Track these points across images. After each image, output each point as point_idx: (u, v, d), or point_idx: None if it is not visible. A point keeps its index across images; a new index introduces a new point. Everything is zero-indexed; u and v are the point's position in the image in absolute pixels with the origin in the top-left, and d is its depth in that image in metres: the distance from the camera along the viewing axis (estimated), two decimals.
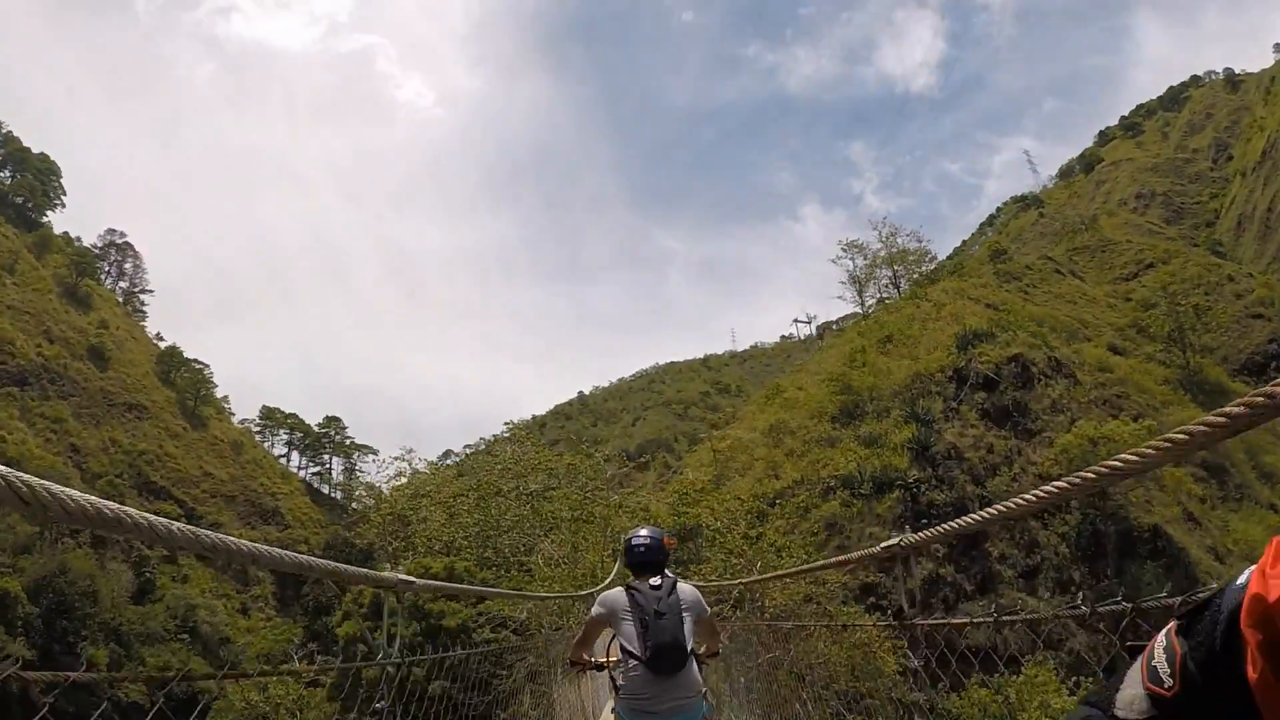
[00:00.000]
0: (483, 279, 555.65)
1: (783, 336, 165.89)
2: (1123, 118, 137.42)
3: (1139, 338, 57.29)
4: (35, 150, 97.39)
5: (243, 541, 1.98)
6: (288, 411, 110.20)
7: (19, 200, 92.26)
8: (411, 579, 3.82)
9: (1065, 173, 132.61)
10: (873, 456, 35.07)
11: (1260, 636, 0.76)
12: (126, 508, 1.47)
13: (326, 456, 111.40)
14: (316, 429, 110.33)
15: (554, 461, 34.34)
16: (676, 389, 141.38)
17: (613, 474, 36.73)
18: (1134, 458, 1.75)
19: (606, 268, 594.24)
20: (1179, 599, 2.26)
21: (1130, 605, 2.45)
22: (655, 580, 4.75)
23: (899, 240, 72.28)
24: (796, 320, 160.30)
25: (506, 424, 43.94)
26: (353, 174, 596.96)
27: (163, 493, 74.59)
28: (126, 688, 38.34)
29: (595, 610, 4.88)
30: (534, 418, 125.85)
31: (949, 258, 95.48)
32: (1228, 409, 1.45)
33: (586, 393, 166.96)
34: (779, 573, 13.86)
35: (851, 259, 72.89)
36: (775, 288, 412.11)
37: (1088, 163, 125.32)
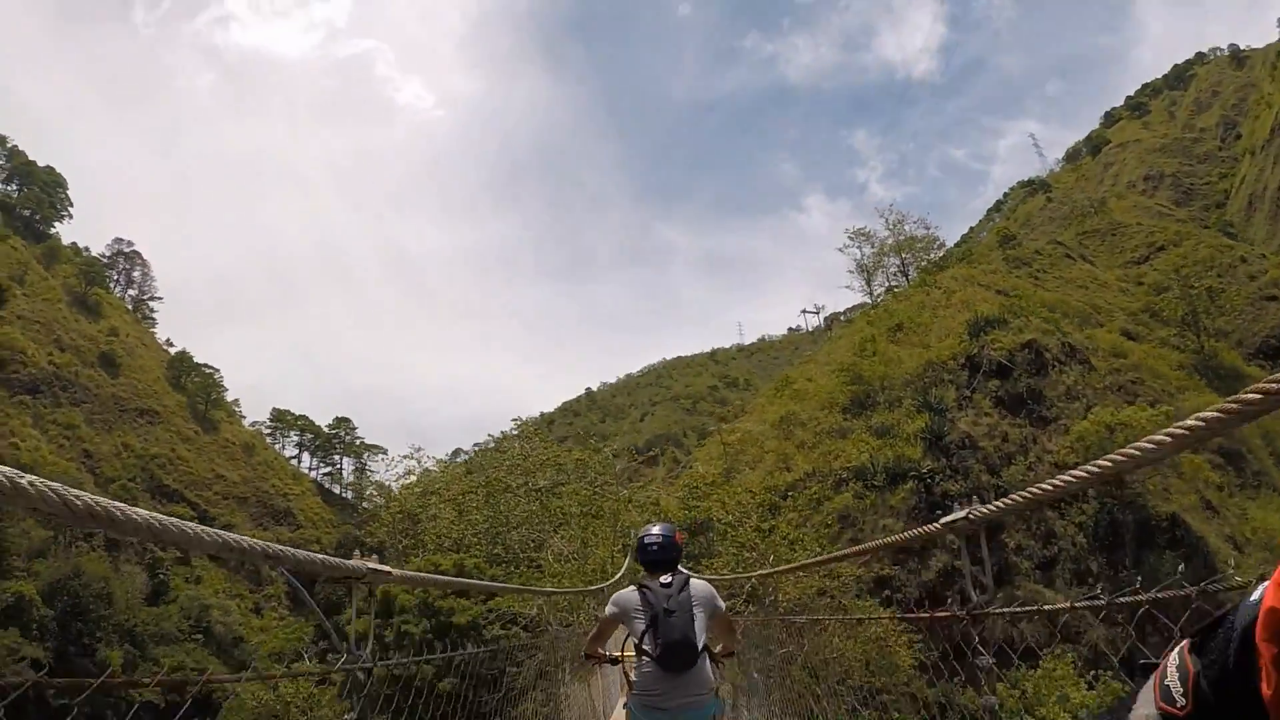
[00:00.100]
0: (488, 279, 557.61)
1: (790, 329, 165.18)
2: (1128, 98, 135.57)
3: (1152, 322, 56.79)
4: (41, 163, 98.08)
5: (185, 524, 1.73)
6: (298, 413, 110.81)
7: (26, 212, 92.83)
8: (385, 569, 3.16)
9: (1072, 156, 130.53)
10: (885, 447, 34.59)
11: (1276, 650, 0.78)
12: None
13: (337, 457, 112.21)
14: (327, 430, 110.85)
15: (563, 457, 34.14)
16: (684, 384, 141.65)
17: (622, 469, 36.52)
18: (1166, 438, 1.71)
19: (611, 265, 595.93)
20: (1195, 588, 2.05)
21: (1145, 596, 2.45)
22: (666, 578, 4.75)
23: (906, 227, 71.39)
24: (804, 310, 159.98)
25: (514, 420, 43.58)
26: (355, 177, 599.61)
27: (175, 495, 74.90)
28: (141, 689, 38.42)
29: (608, 609, 4.90)
30: (542, 415, 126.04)
31: (957, 245, 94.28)
32: (1243, 395, 1.45)
33: (594, 389, 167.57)
34: (820, 558, 13.41)
35: (859, 247, 72.19)
36: (781, 280, 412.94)
37: (1094, 145, 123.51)
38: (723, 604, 4.91)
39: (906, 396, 38.06)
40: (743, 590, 18.64)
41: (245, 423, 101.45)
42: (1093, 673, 23.24)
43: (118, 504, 1.49)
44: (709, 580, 5.04)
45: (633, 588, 4.82)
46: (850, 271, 73.17)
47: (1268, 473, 39.05)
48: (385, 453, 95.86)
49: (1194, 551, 30.50)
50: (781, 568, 13.05)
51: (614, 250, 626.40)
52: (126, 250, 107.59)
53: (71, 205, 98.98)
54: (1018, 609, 3.29)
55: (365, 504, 77.56)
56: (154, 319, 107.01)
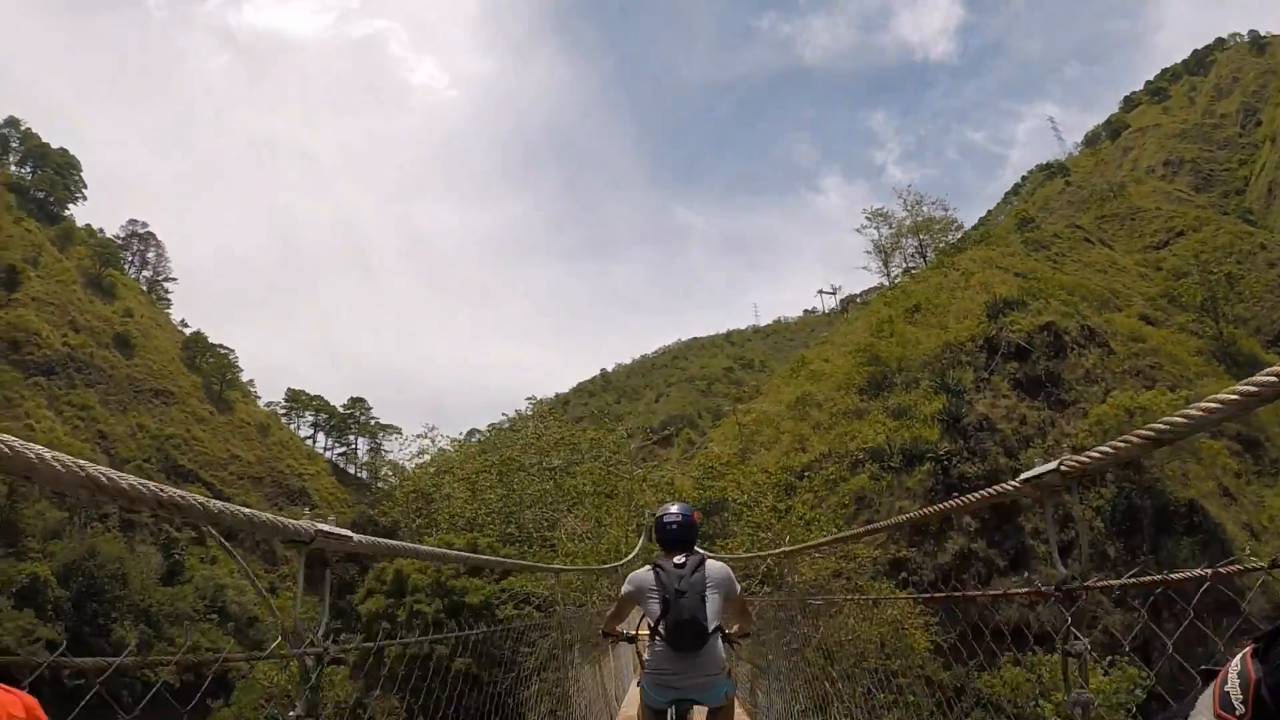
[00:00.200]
0: (503, 260, 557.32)
1: (806, 311, 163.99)
2: (1148, 83, 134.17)
3: (1171, 307, 56.61)
4: (55, 146, 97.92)
5: (113, 473, 1.43)
6: (313, 394, 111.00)
7: (41, 195, 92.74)
8: (340, 532, 2.43)
9: (1091, 140, 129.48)
10: (902, 428, 34.28)
11: None
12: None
13: (352, 437, 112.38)
14: (342, 410, 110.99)
15: (577, 436, 33.98)
16: (700, 365, 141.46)
17: (636, 449, 36.35)
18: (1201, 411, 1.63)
19: (627, 245, 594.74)
20: (1209, 569, 2.04)
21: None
22: (680, 558, 4.74)
23: (924, 209, 70.97)
24: (821, 290, 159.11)
25: (529, 399, 43.31)
26: (369, 158, 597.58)
27: (190, 475, 75.19)
28: (157, 668, 38.62)
29: (625, 588, 4.93)
30: (557, 396, 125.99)
31: (974, 227, 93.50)
32: (1258, 378, 1.43)
33: (609, 370, 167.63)
34: (848, 533, 13.05)
35: (876, 228, 71.82)
36: (798, 262, 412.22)
37: (1114, 129, 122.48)
38: (738, 585, 4.88)
39: (924, 378, 37.68)
40: (758, 571, 18.44)
41: (260, 403, 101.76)
42: (1109, 658, 22.96)
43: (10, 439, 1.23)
44: (724, 560, 4.83)
45: (648, 568, 4.83)
46: (867, 252, 72.97)
47: None
48: (400, 433, 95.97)
49: (1211, 538, 30.28)
50: (812, 542, 12.72)
51: (630, 231, 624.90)
52: (141, 232, 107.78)
53: (85, 187, 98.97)
54: (1131, 579, 2.67)
55: (380, 484, 77.72)
56: (169, 300, 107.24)
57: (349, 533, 2.53)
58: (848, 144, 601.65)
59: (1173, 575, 2.52)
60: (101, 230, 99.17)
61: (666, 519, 5.00)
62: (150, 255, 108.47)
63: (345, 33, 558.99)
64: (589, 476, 28.40)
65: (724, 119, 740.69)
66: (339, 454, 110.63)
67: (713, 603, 4.59)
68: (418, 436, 46.18)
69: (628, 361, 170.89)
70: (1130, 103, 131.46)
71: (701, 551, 4.94)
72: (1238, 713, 0.88)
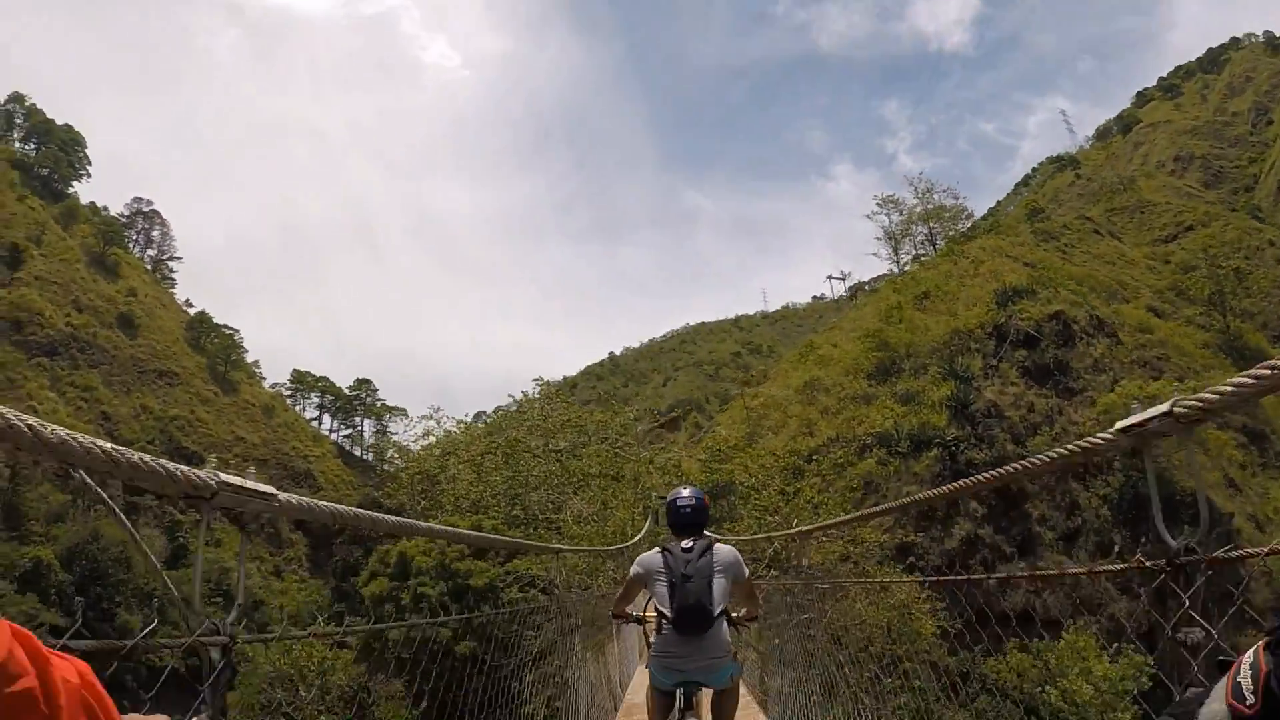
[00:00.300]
0: (512, 241, 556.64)
1: (814, 297, 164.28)
2: (1161, 79, 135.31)
3: (1178, 300, 57.18)
4: (59, 122, 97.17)
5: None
6: (319, 375, 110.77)
7: (44, 172, 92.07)
8: (256, 488, 1.88)
9: (1102, 134, 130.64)
10: (910, 414, 34.32)
11: None
12: None
13: (358, 419, 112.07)
14: (348, 392, 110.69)
15: (584, 418, 33.84)
16: (708, 350, 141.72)
17: (643, 431, 36.24)
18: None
19: (636, 228, 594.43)
20: (1218, 554, 1.93)
21: (1165, 561, 2.08)
22: (688, 542, 4.77)
23: (935, 196, 70.98)
24: (830, 276, 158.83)
25: (535, 380, 43.12)
26: (379, 137, 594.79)
27: (195, 458, 74.99)
28: (160, 651, 38.62)
29: (634, 570, 4.98)
30: (565, 378, 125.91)
31: (984, 218, 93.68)
32: (1257, 369, 1.45)
33: (618, 354, 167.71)
34: (880, 508, 12.90)
35: (887, 214, 72.02)
36: (808, 249, 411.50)
37: (1125, 124, 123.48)
38: (746, 569, 4.89)
39: (932, 364, 37.68)
40: (765, 555, 18.34)
41: (265, 384, 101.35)
42: (1115, 645, 22.95)
43: None
44: (735, 543, 4.76)
45: (656, 550, 4.88)
46: (878, 239, 73.17)
47: None
48: (406, 414, 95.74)
49: (1219, 529, 30.14)
50: (829, 521, 12.54)
51: (640, 214, 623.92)
52: (145, 210, 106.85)
53: (90, 165, 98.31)
54: (1253, 551, 2.18)
55: (386, 466, 77.65)
56: (173, 279, 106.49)
57: (266, 487, 1.92)
58: (860, 132, 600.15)
59: None
60: (106, 208, 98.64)
61: (680, 503, 5.02)
62: (155, 234, 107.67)
63: (357, 10, 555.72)
64: (595, 459, 28.30)
65: (736, 103, 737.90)
66: (344, 436, 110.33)
67: (719, 586, 4.61)
68: (422, 418, 45.94)
69: (635, 345, 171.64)
70: (1142, 98, 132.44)
71: (710, 535, 4.99)
72: (1248, 702, 0.91)
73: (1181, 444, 2.08)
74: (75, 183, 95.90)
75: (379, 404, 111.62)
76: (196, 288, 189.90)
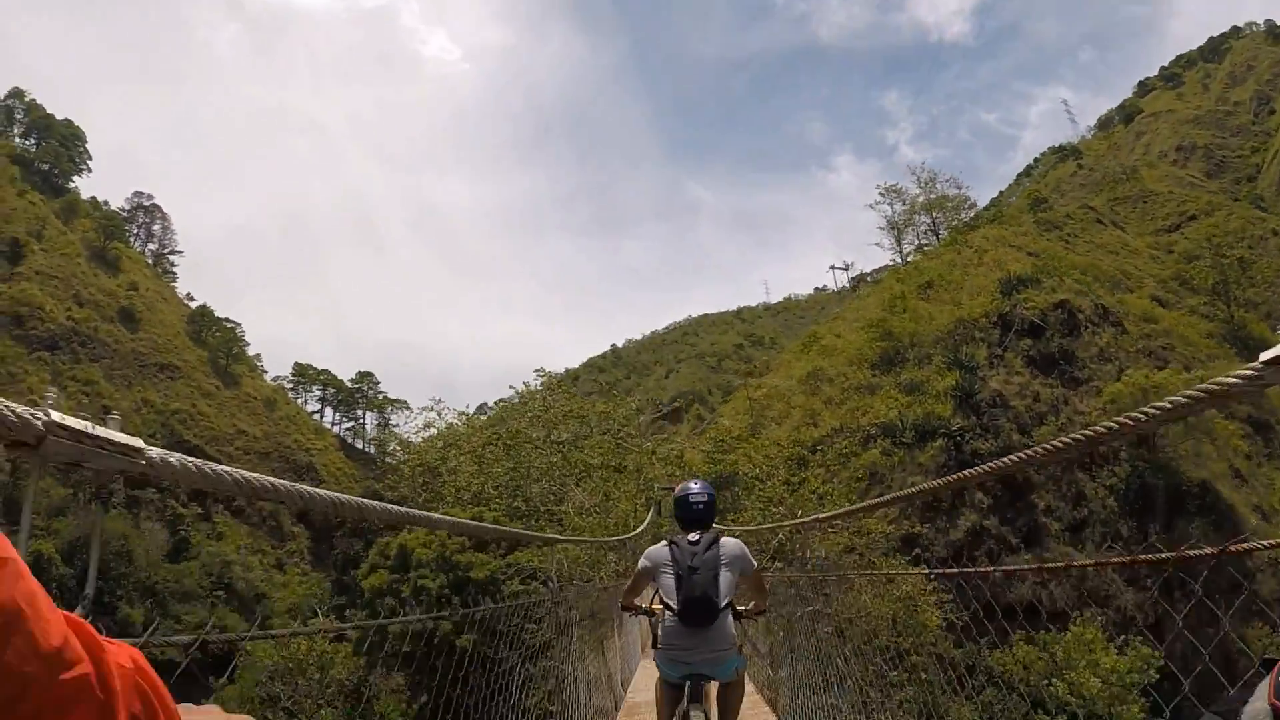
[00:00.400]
0: (514, 234, 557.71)
1: (817, 289, 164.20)
2: (1162, 68, 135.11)
3: (1182, 290, 57.23)
4: (59, 117, 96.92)
5: None
6: (320, 368, 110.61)
7: (45, 167, 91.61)
8: (89, 428, 1.22)
9: (1104, 124, 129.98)
10: (914, 404, 34.10)
11: None
12: None
13: (360, 412, 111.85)
14: (350, 385, 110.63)
15: (586, 409, 33.65)
16: (710, 341, 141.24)
17: (645, 422, 36.06)
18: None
19: (638, 221, 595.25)
20: (1220, 548, 1.93)
21: (1171, 553, 2.18)
22: (694, 535, 4.82)
23: (938, 186, 70.54)
24: (833, 266, 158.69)
25: (537, 372, 42.87)
26: (379, 131, 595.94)
27: (196, 451, 74.71)
28: (162, 645, 38.52)
29: (641, 563, 5.02)
30: (567, 370, 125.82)
31: (986, 207, 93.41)
32: (1258, 363, 1.38)
33: (620, 346, 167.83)
34: (871, 502, 12.62)
35: (890, 204, 71.57)
36: (809, 241, 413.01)
37: (1127, 114, 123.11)
38: (754, 562, 4.91)
39: (937, 353, 37.44)
40: (769, 546, 18.17)
41: (267, 378, 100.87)
42: (1122, 637, 22.80)
43: None
44: (740, 534, 4.67)
45: (664, 543, 4.94)
46: (880, 229, 72.84)
47: None
48: (408, 407, 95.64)
49: (1223, 519, 30.13)
50: (835, 511, 12.28)
51: (641, 207, 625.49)
52: (146, 204, 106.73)
53: (90, 159, 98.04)
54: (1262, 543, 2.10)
55: (388, 458, 77.56)
56: (174, 273, 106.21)
57: (126, 438, 1.29)
58: (861, 123, 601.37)
59: None
60: (106, 203, 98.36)
61: (691, 498, 5.04)
62: (155, 228, 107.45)
63: (356, 3, 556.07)
64: (597, 450, 28.17)
65: (737, 95, 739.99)
66: (347, 429, 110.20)
67: (725, 579, 4.65)
68: (424, 410, 45.79)
69: (638, 337, 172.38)
70: (1144, 87, 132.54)
71: (717, 527, 5.08)
72: None
73: (1189, 433, 1.89)
74: (76, 177, 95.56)
75: (381, 397, 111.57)
76: (198, 282, 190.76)
